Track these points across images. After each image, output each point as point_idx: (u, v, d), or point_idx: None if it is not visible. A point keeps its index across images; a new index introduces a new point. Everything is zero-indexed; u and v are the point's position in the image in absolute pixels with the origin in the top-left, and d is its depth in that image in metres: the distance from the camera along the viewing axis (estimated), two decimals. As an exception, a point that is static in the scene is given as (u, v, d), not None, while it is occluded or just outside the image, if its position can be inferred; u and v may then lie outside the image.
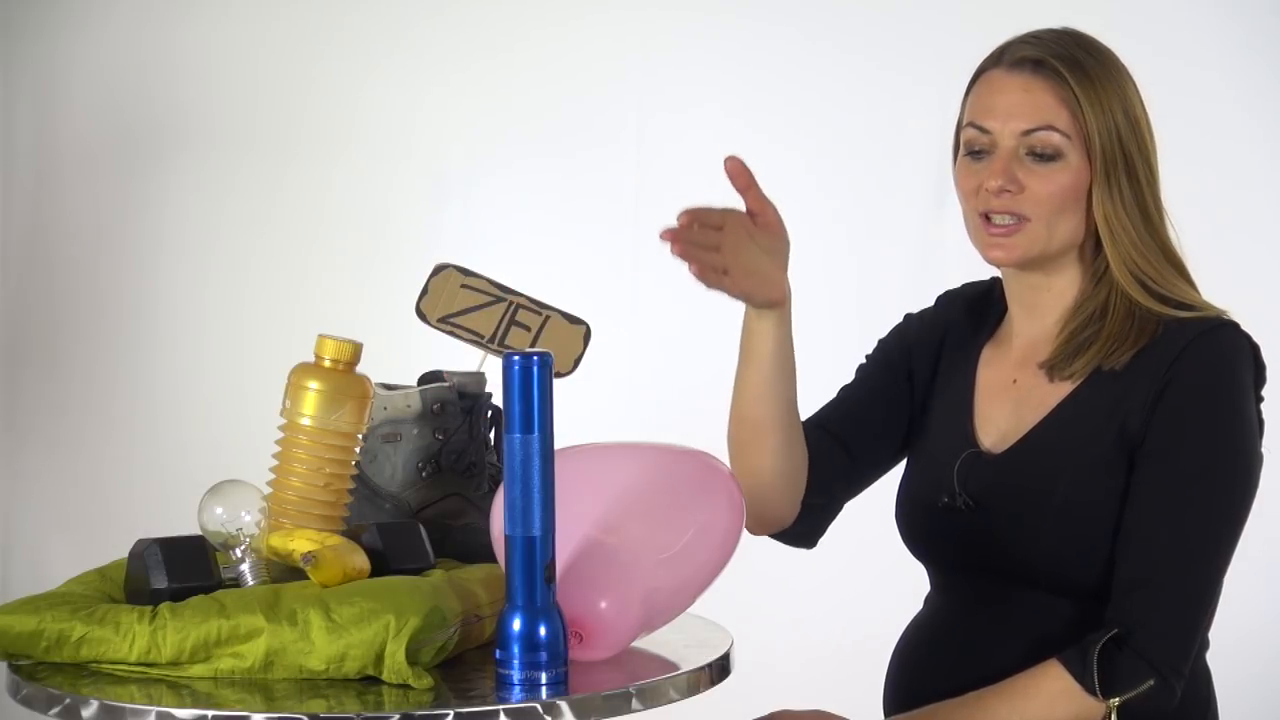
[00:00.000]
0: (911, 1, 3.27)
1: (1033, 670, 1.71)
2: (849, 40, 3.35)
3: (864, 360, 2.01)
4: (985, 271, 1.92)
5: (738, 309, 3.64)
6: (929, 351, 1.96)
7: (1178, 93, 3.17)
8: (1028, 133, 1.78)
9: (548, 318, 1.85)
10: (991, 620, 1.81)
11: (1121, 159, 1.78)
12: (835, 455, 1.92)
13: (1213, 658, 1.83)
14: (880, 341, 2.02)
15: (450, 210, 3.68)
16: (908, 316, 2.02)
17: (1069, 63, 1.79)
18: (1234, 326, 1.77)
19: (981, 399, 1.89)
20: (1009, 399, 1.86)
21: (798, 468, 1.87)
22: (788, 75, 3.41)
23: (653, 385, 3.45)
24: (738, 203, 1.72)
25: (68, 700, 1.44)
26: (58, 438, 3.93)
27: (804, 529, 1.93)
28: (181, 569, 1.57)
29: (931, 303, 2.02)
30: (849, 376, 2.02)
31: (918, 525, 1.90)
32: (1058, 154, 1.78)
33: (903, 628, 1.95)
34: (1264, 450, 1.77)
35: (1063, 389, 1.81)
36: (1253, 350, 1.77)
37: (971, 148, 1.82)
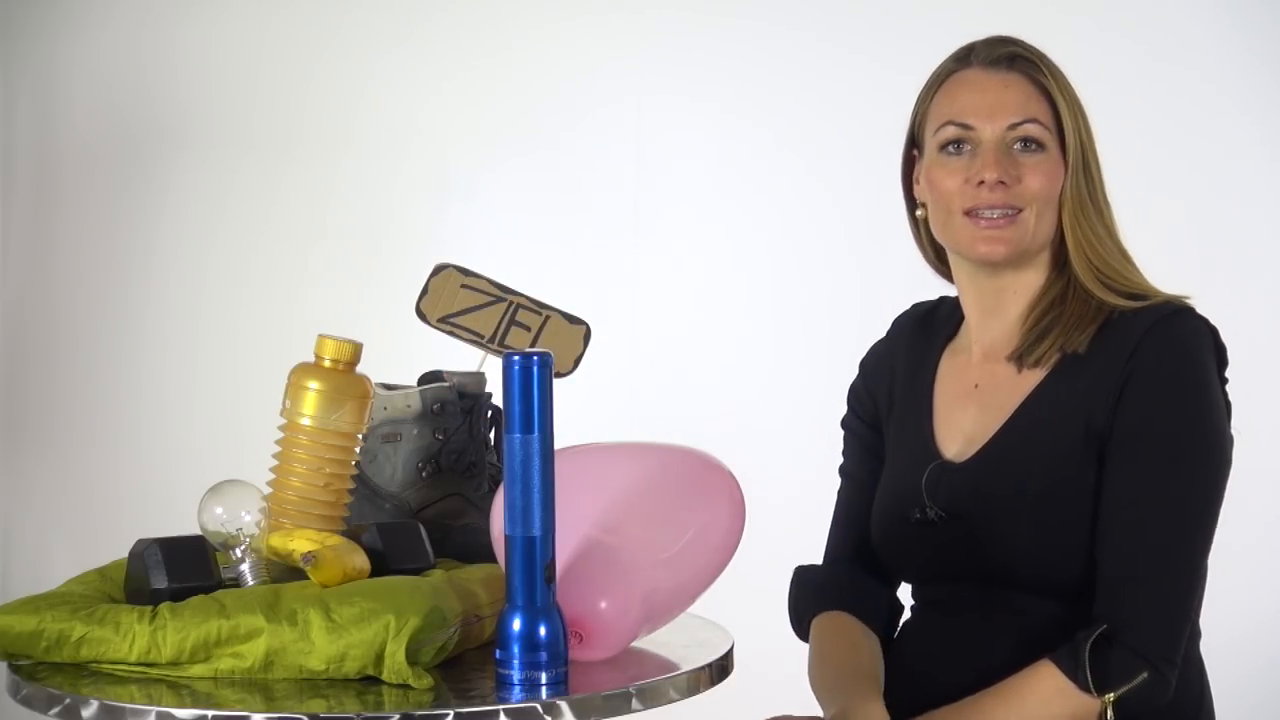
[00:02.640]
0: (914, 2, 3.27)
1: (1026, 671, 1.71)
2: (851, 40, 3.35)
3: (842, 454, 2.02)
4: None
5: (736, 310, 3.65)
6: (884, 379, 1.97)
7: (1174, 91, 3.17)
8: (1015, 125, 1.80)
9: (548, 318, 1.85)
10: (979, 624, 1.80)
11: (1084, 153, 1.82)
12: (878, 579, 1.95)
13: (1210, 657, 1.83)
14: (843, 423, 2.02)
15: (451, 210, 3.68)
16: (852, 387, 2.03)
17: (1041, 59, 1.83)
18: (1189, 311, 1.78)
19: (942, 407, 1.89)
20: (972, 404, 1.86)
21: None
22: (789, 74, 3.41)
23: (653, 385, 3.45)
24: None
25: (68, 700, 1.44)
26: (58, 438, 3.93)
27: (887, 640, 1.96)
28: (181, 569, 1.57)
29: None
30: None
31: (893, 541, 1.89)
32: (1042, 145, 1.80)
33: (899, 629, 1.95)
34: (1234, 432, 1.77)
35: (1027, 384, 1.81)
36: (1211, 332, 1.77)
37: (949, 144, 1.82)
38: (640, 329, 3.44)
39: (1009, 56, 1.82)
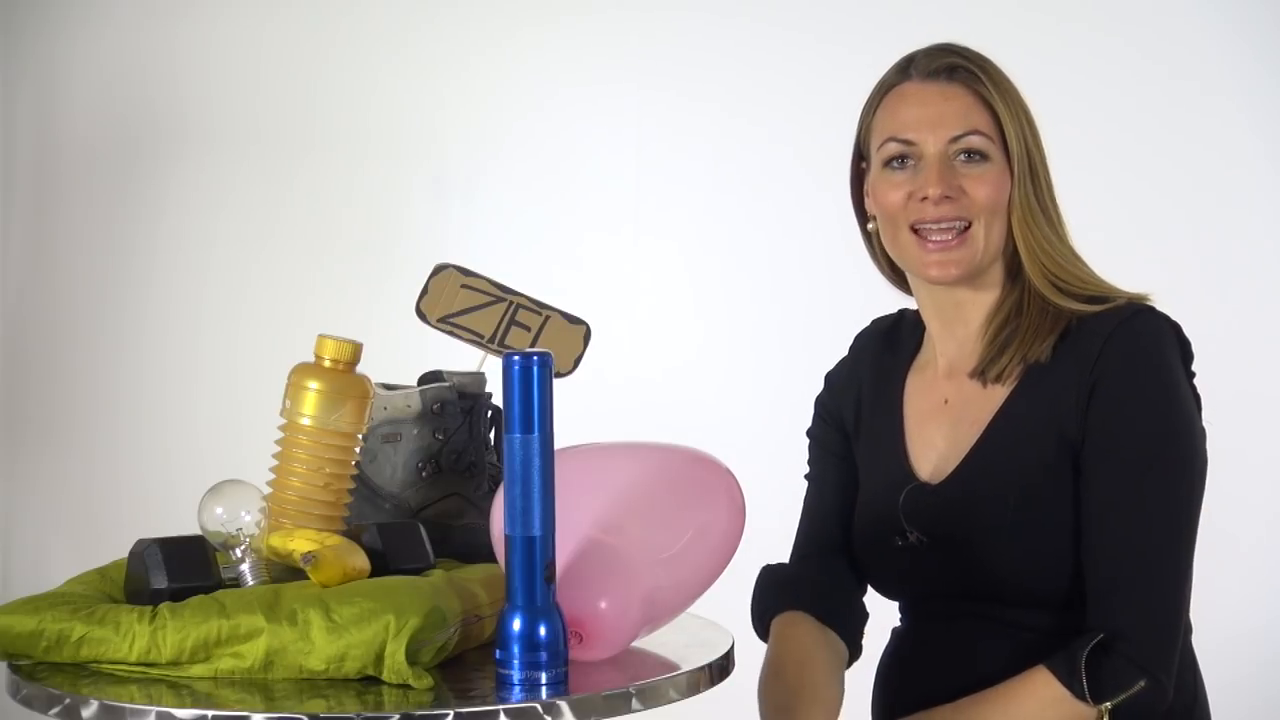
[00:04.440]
0: (914, 4, 3.27)
1: (1022, 677, 1.70)
2: (850, 39, 3.35)
3: (808, 463, 2.01)
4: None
5: (735, 308, 3.65)
6: (851, 397, 1.96)
7: (1168, 92, 3.17)
8: (957, 138, 1.78)
9: (548, 318, 1.85)
10: (972, 638, 1.80)
11: (1029, 160, 1.80)
12: (845, 578, 1.92)
13: (1210, 657, 1.83)
14: (809, 433, 2.02)
15: (451, 210, 3.68)
16: (819, 400, 2.02)
17: (980, 68, 1.81)
18: (1149, 311, 1.77)
19: (914, 426, 1.88)
20: (944, 421, 1.85)
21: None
22: (788, 74, 3.41)
23: (653, 385, 3.45)
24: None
25: (68, 700, 1.44)
26: (58, 438, 3.93)
27: (853, 649, 1.92)
28: (181, 569, 1.57)
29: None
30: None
31: (877, 567, 1.88)
32: (986, 156, 1.79)
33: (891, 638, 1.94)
34: (1205, 424, 1.76)
35: (997, 397, 1.80)
36: (1173, 329, 1.76)
37: (892, 159, 1.81)
38: (640, 329, 3.44)
39: (949, 68, 1.80)
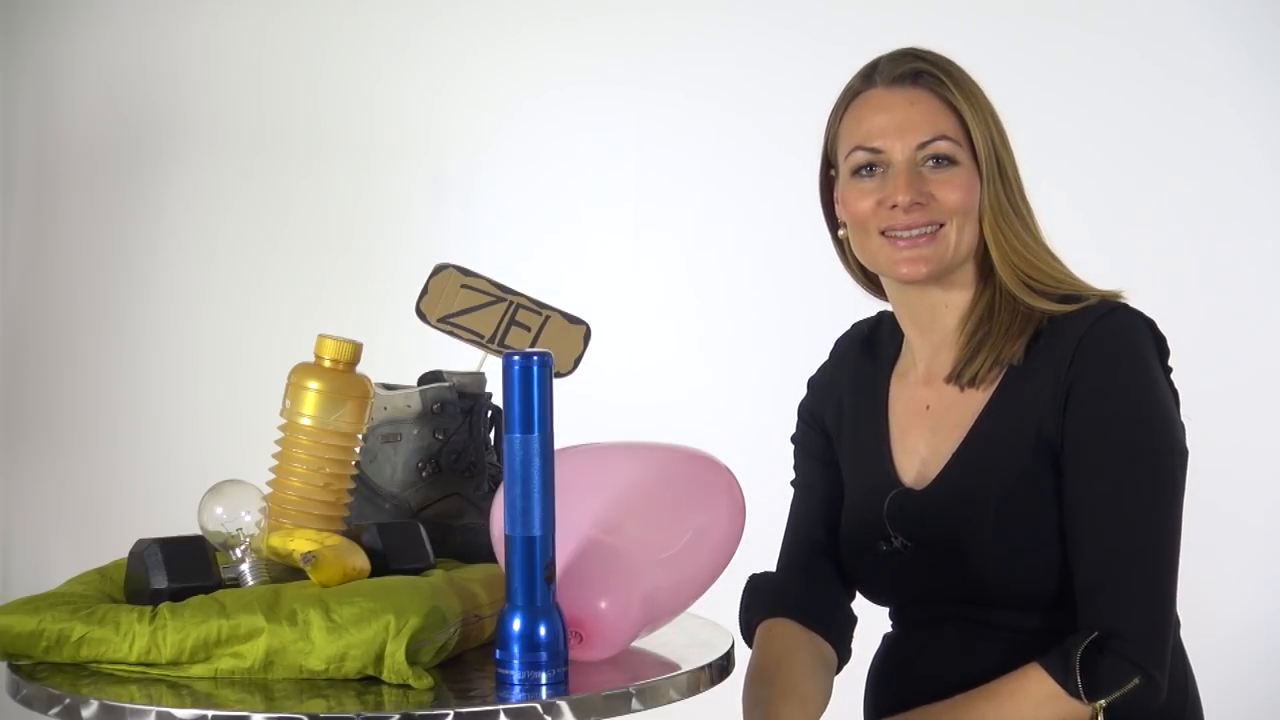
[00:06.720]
0: (913, 4, 3.27)
1: (1016, 674, 1.70)
2: (851, 39, 3.34)
3: (794, 469, 2.01)
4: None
5: (736, 308, 3.65)
6: (834, 401, 1.96)
7: (1169, 92, 3.18)
8: (924, 144, 1.78)
9: (548, 318, 1.85)
10: (959, 637, 1.80)
11: (997, 161, 1.80)
12: (832, 583, 1.92)
13: (1207, 655, 1.83)
14: (794, 439, 2.02)
15: (450, 210, 3.68)
16: (802, 405, 2.02)
17: (944, 72, 1.81)
18: (1123, 308, 1.77)
19: (897, 432, 1.88)
20: (926, 426, 1.85)
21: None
22: (788, 74, 3.41)
23: (653, 385, 3.45)
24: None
25: (68, 700, 1.44)
26: (58, 438, 3.93)
27: (842, 653, 1.92)
28: (181, 569, 1.57)
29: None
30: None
31: (863, 573, 1.88)
32: (954, 160, 1.79)
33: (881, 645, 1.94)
34: (1184, 419, 1.76)
35: (977, 402, 1.80)
36: (1148, 325, 1.77)
37: (860, 168, 1.81)
38: (640, 329, 3.44)
39: (913, 73, 1.80)
